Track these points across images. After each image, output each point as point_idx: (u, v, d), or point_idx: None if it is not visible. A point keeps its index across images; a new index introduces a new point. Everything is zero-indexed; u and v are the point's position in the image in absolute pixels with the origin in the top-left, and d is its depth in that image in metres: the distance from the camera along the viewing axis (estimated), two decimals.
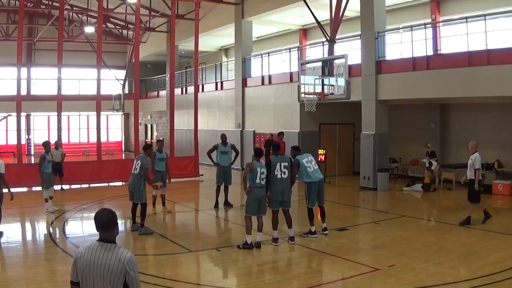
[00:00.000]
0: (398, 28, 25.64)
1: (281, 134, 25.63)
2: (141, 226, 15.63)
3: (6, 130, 48.96)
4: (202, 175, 30.75)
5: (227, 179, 20.69)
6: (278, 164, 14.01)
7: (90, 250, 5.51)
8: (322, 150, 27.48)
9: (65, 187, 26.22)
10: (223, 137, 21.23)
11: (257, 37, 39.29)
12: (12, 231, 17.28)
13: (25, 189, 25.19)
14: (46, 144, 20.23)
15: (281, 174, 13.99)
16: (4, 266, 12.34)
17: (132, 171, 15.91)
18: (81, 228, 18.20)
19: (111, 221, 5.54)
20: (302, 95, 23.52)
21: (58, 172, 24.92)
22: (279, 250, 13.81)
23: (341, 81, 21.92)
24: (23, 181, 24.99)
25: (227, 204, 20.55)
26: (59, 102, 27.73)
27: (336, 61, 22.64)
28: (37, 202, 20.86)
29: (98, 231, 5.54)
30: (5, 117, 44.48)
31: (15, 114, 27.78)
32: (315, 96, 22.76)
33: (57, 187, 24.28)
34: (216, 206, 20.41)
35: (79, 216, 19.16)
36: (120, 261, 5.39)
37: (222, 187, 20.63)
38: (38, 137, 52.27)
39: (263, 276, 11.73)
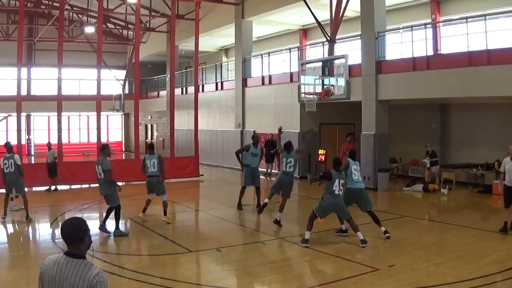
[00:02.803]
0: (398, 28, 25.65)
1: (350, 136, 24.28)
2: (116, 227, 15.42)
3: (6, 130, 48.88)
4: (203, 175, 30.77)
5: (256, 180, 20.23)
6: (337, 180, 14.02)
7: (56, 264, 5.06)
8: (322, 150, 27.48)
9: (64, 187, 26.21)
10: (255, 137, 20.87)
11: (257, 37, 39.31)
12: (12, 231, 17.31)
13: (25, 189, 25.16)
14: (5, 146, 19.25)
15: (338, 191, 14.03)
16: (4, 266, 12.33)
17: (98, 176, 15.52)
18: None
19: (78, 233, 5.05)
20: (302, 95, 23.51)
21: (50, 173, 24.98)
22: (280, 250, 13.91)
23: (341, 81, 21.91)
24: (23, 180, 24.99)
25: (261, 207, 18.08)
26: (59, 102, 27.73)
27: (336, 61, 22.64)
28: (37, 202, 20.86)
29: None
30: (5, 117, 44.46)
31: (15, 114, 27.79)
32: (315, 96, 22.76)
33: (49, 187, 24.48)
34: (240, 208, 19.93)
35: (79, 216, 19.10)
36: (86, 281, 4.91)
37: (253, 189, 20.44)
38: (39, 137, 52.42)
39: (263, 276, 11.72)
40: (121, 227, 16.42)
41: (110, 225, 15.74)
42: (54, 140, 28.24)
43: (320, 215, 14.01)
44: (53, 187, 25.52)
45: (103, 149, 15.81)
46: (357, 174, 15.21)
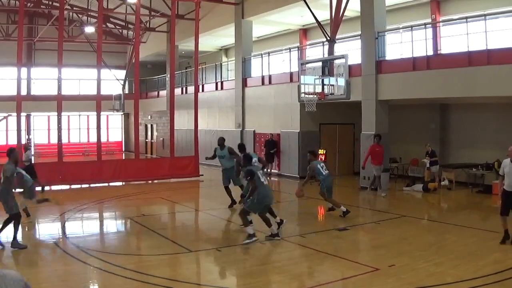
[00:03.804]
0: (398, 28, 25.64)
1: (377, 137, 23.75)
2: (13, 238, 14.04)
3: (6, 130, 48.99)
4: (202, 175, 30.72)
5: (233, 179, 20.29)
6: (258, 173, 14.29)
7: None
8: (322, 150, 27.49)
9: (65, 187, 26.22)
10: (220, 140, 21.02)
11: (257, 37, 39.29)
12: (12, 231, 17.31)
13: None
14: None
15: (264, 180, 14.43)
16: (4, 266, 12.33)
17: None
18: (81, 228, 18.21)
19: None
20: (302, 95, 23.52)
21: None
22: (279, 250, 13.87)
23: (341, 81, 21.93)
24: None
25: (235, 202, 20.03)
26: (59, 102, 27.74)
27: (336, 61, 22.65)
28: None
29: None
30: (5, 117, 44.49)
31: (15, 114, 27.80)
32: (315, 96, 22.77)
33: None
34: (231, 205, 20.18)
35: (79, 216, 19.15)
36: None
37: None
38: (38, 137, 52.48)
39: (263, 276, 11.71)
40: (121, 227, 16.43)
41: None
42: (54, 140, 28.19)
43: (254, 211, 14.20)
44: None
45: (9, 154, 14.47)
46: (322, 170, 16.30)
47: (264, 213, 14.50)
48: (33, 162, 24.99)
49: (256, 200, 14.26)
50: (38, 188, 24.39)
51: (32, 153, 24.97)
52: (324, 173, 18.56)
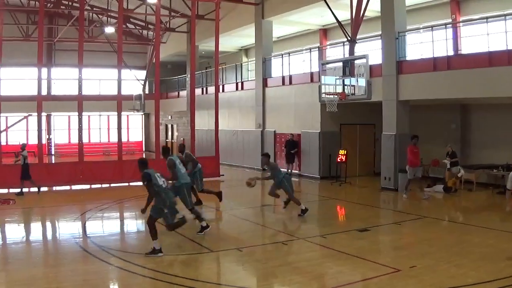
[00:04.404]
0: (419, 28, 25.57)
1: (415, 138, 23.29)
2: None
3: (27, 130, 49.27)
4: (223, 175, 30.82)
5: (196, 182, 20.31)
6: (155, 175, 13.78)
7: None
8: (343, 151, 27.44)
9: (85, 186, 26.34)
10: (180, 147, 21.58)
11: (277, 37, 39.26)
12: (33, 230, 17.45)
13: (45, 188, 25.36)
14: None
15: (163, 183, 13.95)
16: (25, 265, 12.44)
17: None
18: (102, 227, 18.31)
19: None
20: (323, 95, 23.52)
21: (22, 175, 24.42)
22: (300, 250, 13.88)
23: (362, 81, 21.93)
24: (43, 180, 25.21)
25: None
26: (79, 102, 27.90)
27: (357, 61, 22.63)
28: (57, 201, 21.01)
29: None
30: (25, 117, 44.78)
31: (35, 114, 27.99)
32: (336, 96, 22.76)
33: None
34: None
35: (100, 216, 19.25)
36: None
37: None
38: (59, 137, 52.79)
39: (284, 276, 11.74)
40: (141, 227, 16.48)
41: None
42: (74, 140, 28.31)
43: (157, 216, 13.58)
44: (18, 190, 24.43)
45: None
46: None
47: (156, 220, 13.66)
48: (27, 162, 24.88)
49: (161, 205, 13.54)
50: (34, 189, 24.55)
51: (26, 153, 24.83)
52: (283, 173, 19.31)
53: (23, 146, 25.03)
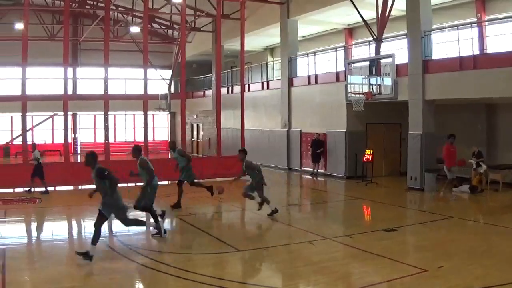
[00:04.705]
0: (444, 28, 25.44)
1: (452, 137, 23.39)
2: None
3: (52, 129, 49.71)
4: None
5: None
6: None
7: None
8: (369, 150, 27.36)
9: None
10: (170, 144, 22.02)
11: (302, 37, 39.23)
12: (60, 229, 17.60)
13: (71, 187, 25.54)
14: None
15: None
16: (51, 263, 12.56)
17: None
18: (123, 227, 18.42)
19: None
20: (350, 94, 23.51)
21: (32, 173, 24.48)
22: (326, 250, 13.87)
23: (388, 81, 21.89)
24: (69, 179, 25.39)
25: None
26: (106, 102, 28.07)
27: (383, 61, 22.59)
28: (83, 200, 21.10)
29: None
30: (51, 116, 45.11)
31: (61, 113, 28.19)
32: (362, 95, 22.73)
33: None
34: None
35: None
36: None
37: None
38: (84, 136, 53.16)
39: (309, 276, 11.74)
40: (167, 225, 16.58)
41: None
42: (100, 139, 28.42)
43: (108, 214, 13.18)
44: (27, 188, 24.81)
45: None
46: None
47: (104, 220, 13.22)
48: (40, 161, 25.01)
49: (113, 203, 13.21)
50: (42, 189, 24.66)
51: (39, 153, 24.94)
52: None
53: (34, 146, 25.23)
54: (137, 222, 14.23)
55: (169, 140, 21.67)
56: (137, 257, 13.08)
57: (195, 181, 20.65)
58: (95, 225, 12.77)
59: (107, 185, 12.90)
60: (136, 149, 16.63)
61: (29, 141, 29.12)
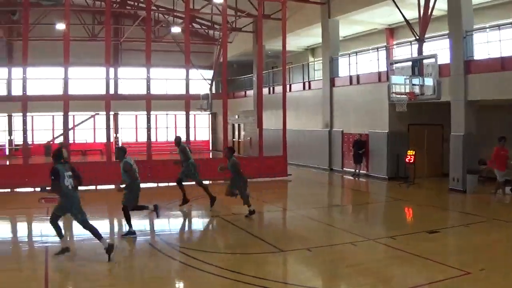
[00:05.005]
0: (485, 28, 25.27)
1: (503, 139, 22.64)
2: None
3: (94, 129, 50.29)
4: (291, 174, 30.88)
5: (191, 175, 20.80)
6: (65, 174, 13.10)
7: None
8: (411, 151, 27.23)
9: (152, 185, 26.77)
10: (175, 139, 21.66)
11: (343, 37, 39.15)
12: (101, 227, 17.77)
13: (112, 186, 25.87)
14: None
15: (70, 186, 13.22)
16: (91, 261, 12.82)
17: None
18: (171, 225, 18.62)
19: None
20: (393, 95, 23.46)
21: None
22: (369, 251, 13.94)
23: (430, 81, 21.81)
24: (111, 178, 25.68)
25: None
26: (148, 102, 28.38)
27: (425, 61, 22.52)
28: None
29: None
30: (93, 116, 45.53)
31: (102, 113, 28.57)
32: (405, 96, 22.68)
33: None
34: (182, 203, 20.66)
35: (169, 214, 19.52)
36: None
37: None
38: (125, 135, 53.72)
39: (351, 278, 11.80)
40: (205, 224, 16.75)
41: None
42: (141, 139, 28.67)
43: (61, 213, 13.25)
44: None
45: None
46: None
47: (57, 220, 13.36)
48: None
49: (64, 203, 13.19)
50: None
51: (66, 153, 25.18)
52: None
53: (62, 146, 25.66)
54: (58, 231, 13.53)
55: (175, 136, 21.45)
56: (179, 255, 13.34)
57: (200, 182, 20.90)
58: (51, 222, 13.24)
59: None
60: (121, 150, 15.84)
61: (70, 141, 29.68)
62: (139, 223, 17.57)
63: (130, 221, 15.52)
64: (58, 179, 12.75)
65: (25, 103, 27.64)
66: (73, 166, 13.46)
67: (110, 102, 28.10)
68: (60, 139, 36.15)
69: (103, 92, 28.48)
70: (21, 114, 27.77)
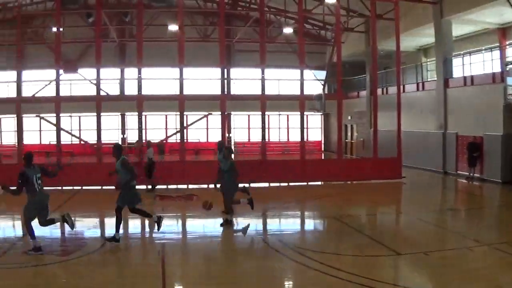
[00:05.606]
0: None
1: None
2: None
3: (207, 128, 51.25)
4: (405, 177, 30.38)
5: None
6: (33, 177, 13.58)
7: None
8: None
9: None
10: (218, 144, 19.99)
11: (455, 37, 38.65)
12: (214, 225, 18.07)
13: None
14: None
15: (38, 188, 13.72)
16: (207, 259, 13.49)
17: None
18: (288, 225, 18.99)
19: None
20: (509, 97, 23.13)
21: (147, 173, 25.90)
22: (485, 257, 13.79)
23: None
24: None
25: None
26: (262, 102, 28.96)
27: None
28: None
29: None
30: (205, 116, 46.50)
31: (216, 113, 29.37)
32: None
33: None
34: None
35: (285, 214, 19.95)
36: None
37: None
38: (238, 135, 54.96)
39: (465, 284, 11.61)
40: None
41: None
42: (254, 139, 29.10)
43: (30, 215, 13.48)
44: (149, 186, 26.13)
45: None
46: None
47: (32, 220, 13.65)
48: (153, 159, 26.23)
49: (32, 205, 13.57)
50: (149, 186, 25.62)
51: (151, 153, 25.89)
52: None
53: (148, 144, 26.93)
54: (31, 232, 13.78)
55: (219, 140, 20.84)
56: (295, 256, 13.59)
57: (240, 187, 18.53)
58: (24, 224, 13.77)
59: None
60: (117, 148, 15.50)
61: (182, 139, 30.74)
62: (256, 222, 17.96)
63: (120, 226, 14.97)
64: (24, 183, 13.31)
65: (141, 103, 28.74)
66: (42, 167, 14.06)
67: (225, 102, 28.79)
68: (172, 138, 37.62)
69: (215, 92, 29.19)
70: (136, 113, 28.93)
